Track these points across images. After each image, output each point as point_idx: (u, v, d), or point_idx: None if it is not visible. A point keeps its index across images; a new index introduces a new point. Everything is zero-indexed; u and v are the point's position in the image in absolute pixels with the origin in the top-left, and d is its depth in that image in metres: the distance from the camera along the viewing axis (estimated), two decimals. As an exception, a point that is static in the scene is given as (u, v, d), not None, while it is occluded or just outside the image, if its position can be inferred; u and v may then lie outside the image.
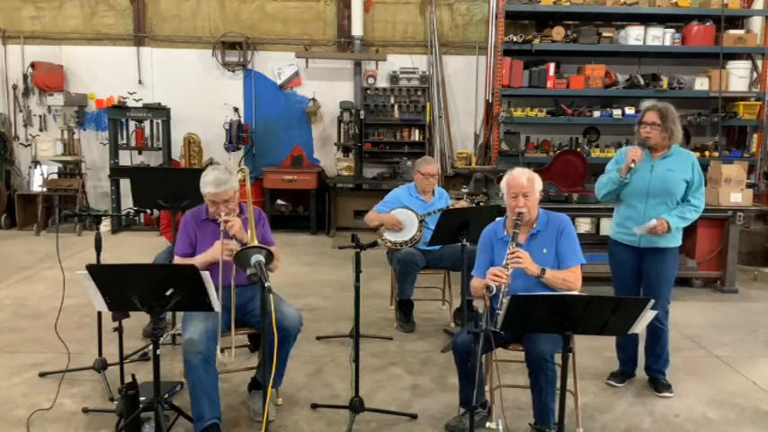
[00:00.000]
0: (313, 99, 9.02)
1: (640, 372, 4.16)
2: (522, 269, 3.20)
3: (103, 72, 8.99)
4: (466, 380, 3.24)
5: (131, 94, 8.80)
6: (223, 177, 3.46)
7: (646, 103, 4.00)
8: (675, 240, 3.95)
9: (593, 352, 4.50)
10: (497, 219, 3.66)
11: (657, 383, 4.03)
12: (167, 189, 4.34)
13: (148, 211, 7.98)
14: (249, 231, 3.42)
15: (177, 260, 3.56)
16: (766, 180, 8.09)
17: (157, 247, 5.36)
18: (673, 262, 3.97)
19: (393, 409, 3.63)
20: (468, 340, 2.99)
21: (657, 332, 3.96)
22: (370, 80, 8.99)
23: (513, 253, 3.18)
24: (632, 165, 3.81)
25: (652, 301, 2.70)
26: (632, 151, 3.85)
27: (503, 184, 3.46)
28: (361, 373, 3.54)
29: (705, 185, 4.03)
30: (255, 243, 3.27)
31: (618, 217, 4.05)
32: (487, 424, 3.40)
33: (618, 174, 3.88)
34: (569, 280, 3.32)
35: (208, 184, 3.47)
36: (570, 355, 2.82)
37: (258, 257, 3.00)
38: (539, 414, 3.18)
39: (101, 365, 3.92)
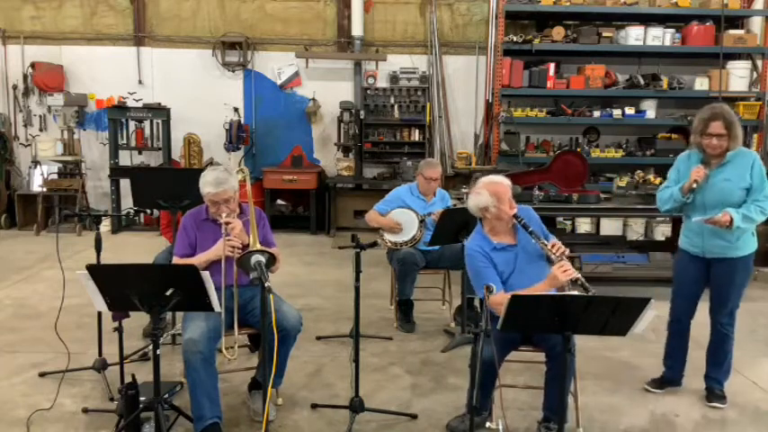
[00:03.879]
0: (313, 99, 9.01)
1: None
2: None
3: (103, 72, 8.98)
4: (483, 390, 3.20)
5: (131, 94, 8.79)
6: (222, 177, 3.47)
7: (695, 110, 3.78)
8: (745, 248, 3.77)
9: (593, 352, 4.49)
10: (471, 235, 3.56)
11: (711, 392, 3.90)
12: (167, 189, 4.33)
13: (148, 211, 8.00)
14: (251, 234, 3.41)
15: (176, 261, 3.56)
16: (766, 180, 8.07)
17: (157, 247, 5.35)
18: (743, 270, 3.81)
19: (393, 409, 3.63)
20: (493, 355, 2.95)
21: (722, 337, 3.87)
22: (370, 80, 8.99)
23: (554, 245, 3.26)
24: (695, 185, 3.66)
25: (652, 301, 2.68)
26: (696, 171, 3.66)
27: (487, 190, 3.48)
28: (361, 373, 3.54)
29: None
30: (258, 246, 3.26)
31: (683, 227, 3.93)
32: (487, 424, 3.40)
33: (680, 192, 3.74)
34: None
35: (207, 184, 3.47)
36: (569, 354, 2.82)
37: (258, 257, 3.00)
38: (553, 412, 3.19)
39: (101, 365, 3.92)
